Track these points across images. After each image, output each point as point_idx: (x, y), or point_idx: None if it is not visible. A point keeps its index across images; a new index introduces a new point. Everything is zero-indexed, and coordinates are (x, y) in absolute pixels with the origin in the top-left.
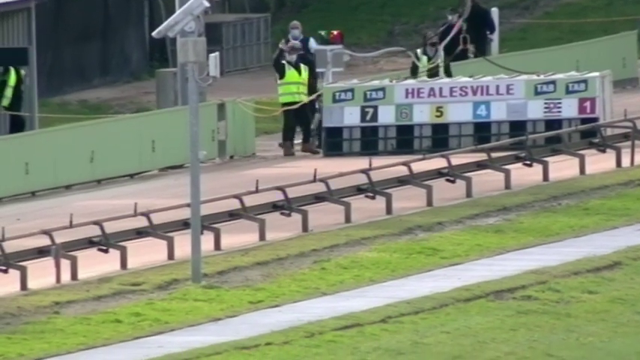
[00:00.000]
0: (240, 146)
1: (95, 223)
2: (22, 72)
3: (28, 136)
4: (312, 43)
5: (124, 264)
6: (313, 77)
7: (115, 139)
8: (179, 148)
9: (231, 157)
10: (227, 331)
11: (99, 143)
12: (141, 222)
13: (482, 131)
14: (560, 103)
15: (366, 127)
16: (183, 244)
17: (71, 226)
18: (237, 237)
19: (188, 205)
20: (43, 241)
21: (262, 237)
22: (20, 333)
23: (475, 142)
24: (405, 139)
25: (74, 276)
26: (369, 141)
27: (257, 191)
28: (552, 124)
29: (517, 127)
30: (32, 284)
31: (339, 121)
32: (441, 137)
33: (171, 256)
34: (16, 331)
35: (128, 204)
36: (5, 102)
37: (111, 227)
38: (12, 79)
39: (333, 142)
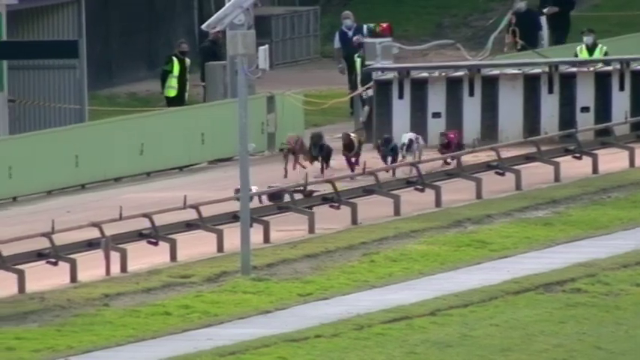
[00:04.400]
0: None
1: (145, 215)
2: (187, 61)
3: (77, 128)
4: (365, 30)
5: (173, 256)
6: (363, 67)
7: (164, 131)
8: (228, 140)
9: (280, 149)
10: (276, 324)
11: (148, 136)
12: (190, 214)
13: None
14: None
15: (416, 119)
16: (232, 236)
17: (121, 218)
18: (286, 230)
19: (237, 198)
20: (93, 234)
21: (311, 230)
22: (69, 325)
23: (526, 134)
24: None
25: (124, 268)
26: (419, 133)
27: (306, 184)
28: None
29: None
30: (82, 276)
31: (388, 114)
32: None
33: (220, 248)
34: (65, 323)
35: (177, 196)
36: (172, 92)
37: (160, 220)
38: (175, 68)
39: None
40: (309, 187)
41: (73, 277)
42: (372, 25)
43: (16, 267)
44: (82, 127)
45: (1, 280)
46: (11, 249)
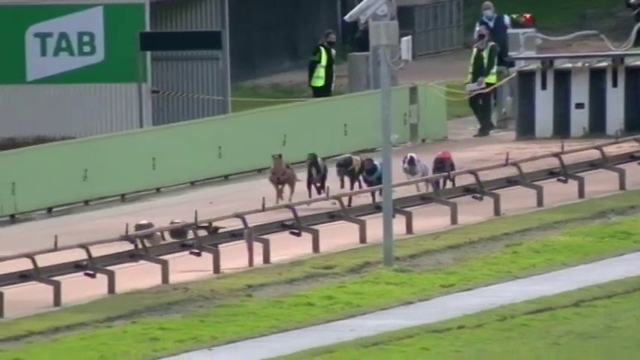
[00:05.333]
0: (431, 130)
1: (287, 206)
2: (333, 52)
3: (221, 119)
4: (506, 20)
5: (316, 247)
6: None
7: (307, 122)
8: (371, 131)
9: (423, 140)
10: (418, 315)
11: (291, 127)
12: (333, 206)
13: None
14: None
15: (559, 109)
16: (374, 227)
17: (263, 209)
18: (429, 220)
19: (380, 189)
20: (236, 224)
21: (454, 220)
22: (213, 316)
23: None
24: (598, 122)
25: (266, 259)
26: (562, 124)
27: (449, 175)
28: None
29: None
30: (225, 267)
31: (531, 104)
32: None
33: (363, 239)
34: (208, 314)
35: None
36: (319, 82)
37: (303, 211)
38: (323, 59)
39: (525, 125)
40: (214, 224)
41: (217, 268)
42: (514, 15)
43: (160, 257)
44: (225, 118)
45: (145, 271)
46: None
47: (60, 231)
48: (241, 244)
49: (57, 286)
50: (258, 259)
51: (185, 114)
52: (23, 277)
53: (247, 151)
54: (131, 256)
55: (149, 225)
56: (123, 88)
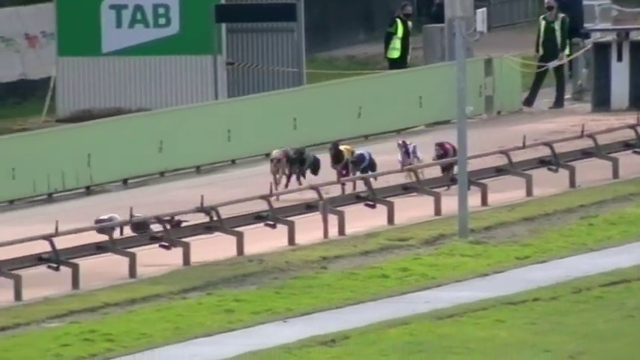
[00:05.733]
0: (507, 102)
1: (362, 178)
2: (409, 24)
3: (296, 91)
4: None
5: (390, 219)
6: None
7: (381, 94)
8: (446, 103)
9: (498, 112)
10: (493, 287)
11: (366, 99)
12: (407, 178)
13: None
14: None
15: (635, 81)
16: (449, 199)
17: (338, 181)
18: (504, 193)
19: (455, 161)
20: (310, 196)
21: (529, 192)
22: (288, 288)
23: None
24: None
25: (341, 231)
26: (638, 96)
27: (524, 147)
28: None
29: None
30: (300, 239)
31: (606, 76)
32: None
33: (437, 211)
34: (284, 285)
35: (394, 159)
36: (395, 54)
37: (378, 183)
38: (399, 30)
39: (601, 97)
40: (177, 217)
41: (292, 240)
42: None
43: (235, 229)
44: (300, 90)
45: (220, 243)
46: (230, 211)
47: (135, 202)
48: (316, 216)
49: (132, 258)
50: (333, 231)
51: (260, 86)
52: (99, 248)
53: (322, 123)
54: (206, 228)
55: (110, 219)
56: (198, 60)
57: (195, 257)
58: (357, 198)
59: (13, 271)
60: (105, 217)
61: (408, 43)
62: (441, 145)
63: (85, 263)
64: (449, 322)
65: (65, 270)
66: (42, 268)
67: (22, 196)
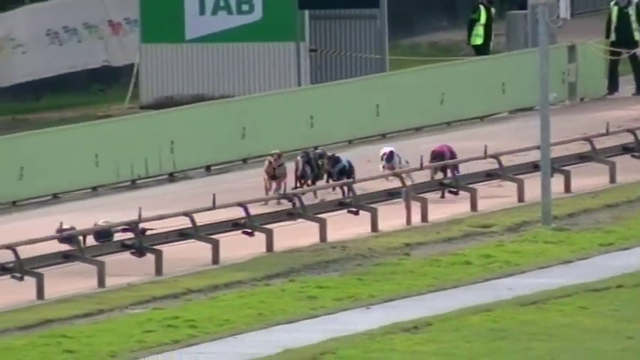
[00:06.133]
0: (590, 88)
1: (445, 165)
2: (492, 10)
3: (378, 78)
4: None
5: (474, 206)
6: None
7: (464, 81)
8: (529, 90)
9: (582, 99)
10: (577, 274)
11: (449, 85)
12: (490, 164)
13: None
14: None
15: None
16: (532, 186)
17: (421, 168)
18: (587, 179)
19: (538, 148)
20: (394, 184)
21: (612, 179)
22: (371, 274)
23: None
24: None
25: (424, 218)
26: None
27: (607, 134)
28: None
29: None
30: (383, 226)
31: None
32: None
33: (521, 198)
34: (366, 272)
35: (477, 146)
36: (478, 40)
37: (460, 169)
38: (483, 17)
39: None
40: (141, 225)
41: (374, 227)
42: None
43: (318, 216)
44: (383, 76)
45: (303, 229)
46: (309, 198)
47: (218, 189)
48: (399, 203)
49: (215, 245)
50: (416, 218)
51: (343, 72)
52: (182, 235)
53: (405, 110)
54: (289, 215)
55: (71, 228)
56: (281, 47)
57: (278, 244)
58: (439, 185)
59: (96, 258)
60: (67, 226)
61: (491, 30)
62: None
63: (168, 250)
64: (532, 308)
65: (149, 256)
66: (125, 255)
67: (105, 183)
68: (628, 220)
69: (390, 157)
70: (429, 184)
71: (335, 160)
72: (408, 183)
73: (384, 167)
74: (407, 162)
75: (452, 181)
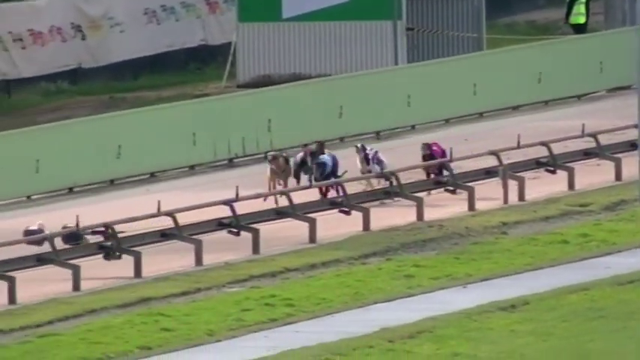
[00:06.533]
0: None
1: (542, 143)
2: None
3: (476, 57)
4: None
5: (571, 185)
6: None
7: (562, 59)
8: (627, 68)
9: None
10: None
11: (546, 64)
12: (588, 144)
13: None
14: None
15: None
16: (630, 165)
17: (518, 146)
18: None
19: (635, 126)
20: (490, 162)
21: None
22: (468, 253)
23: None
24: None
25: (521, 197)
26: None
27: (107, 225)
28: None
29: None
30: (479, 205)
31: None
32: None
33: (618, 177)
34: (463, 251)
35: (575, 125)
36: (581, 19)
37: (558, 148)
38: None
39: None
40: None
41: (471, 206)
42: None
43: (415, 195)
44: (480, 55)
45: (401, 208)
46: (409, 177)
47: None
48: (496, 182)
49: (312, 223)
50: (513, 197)
51: (440, 51)
52: (280, 214)
53: (502, 88)
54: (386, 193)
55: (40, 230)
56: (378, 26)
57: (375, 223)
58: (536, 164)
59: (193, 236)
60: (34, 227)
61: (589, 9)
62: (428, 146)
63: (265, 228)
64: (630, 287)
65: (245, 235)
66: (222, 233)
67: (203, 162)
68: None
69: (366, 158)
70: (525, 164)
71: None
72: (376, 186)
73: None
74: (381, 165)
75: (549, 160)
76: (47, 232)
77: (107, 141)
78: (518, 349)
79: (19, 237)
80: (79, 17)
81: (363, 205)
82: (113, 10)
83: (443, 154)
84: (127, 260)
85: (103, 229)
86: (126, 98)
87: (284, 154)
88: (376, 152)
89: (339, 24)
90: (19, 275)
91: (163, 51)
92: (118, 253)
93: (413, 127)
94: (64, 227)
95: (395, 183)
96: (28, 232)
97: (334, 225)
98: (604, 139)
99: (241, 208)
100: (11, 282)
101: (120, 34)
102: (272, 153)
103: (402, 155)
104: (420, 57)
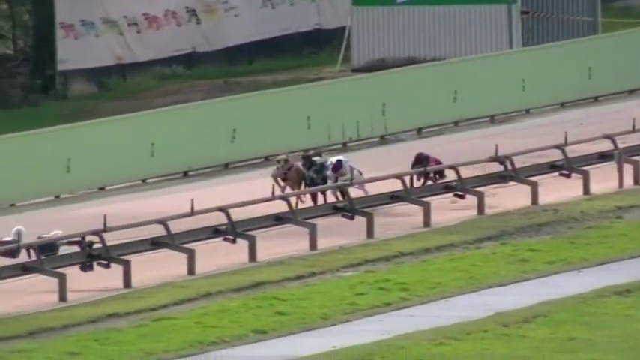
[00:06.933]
0: None
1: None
2: None
3: (591, 40)
4: None
5: None
6: None
7: None
8: None
9: None
10: None
11: None
12: None
13: None
14: None
15: None
16: None
17: (633, 130)
18: None
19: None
20: (605, 146)
21: None
22: (582, 237)
23: None
24: None
25: (636, 181)
26: None
27: (83, 235)
28: None
29: None
30: (594, 189)
31: None
32: None
33: None
34: (578, 235)
35: None
36: None
37: None
38: None
39: None
40: (88, 238)
41: (586, 190)
42: None
43: (530, 179)
44: (595, 39)
45: (515, 192)
46: (524, 160)
47: (430, 152)
48: (611, 166)
49: (427, 208)
50: (628, 181)
51: (555, 35)
52: (394, 197)
53: (617, 72)
54: (500, 177)
55: (13, 241)
56: (492, 10)
57: (490, 207)
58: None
59: (308, 220)
60: (8, 238)
61: None
62: (419, 155)
63: (379, 213)
64: None
65: (360, 219)
66: (337, 217)
67: (317, 145)
68: None
69: (337, 166)
70: (638, 148)
71: (310, 163)
72: (362, 194)
73: (332, 177)
74: (360, 172)
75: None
76: (21, 241)
77: (222, 125)
78: (633, 334)
79: (134, 221)
80: (193, 1)
81: (477, 189)
82: None
83: (436, 162)
84: (242, 245)
85: (79, 239)
86: (240, 82)
87: (282, 162)
88: (341, 161)
89: (454, 8)
90: (134, 259)
91: (277, 35)
92: (232, 237)
93: (527, 110)
94: (39, 237)
95: (509, 167)
96: (1, 243)
97: (449, 209)
98: None
99: (357, 192)
100: (127, 265)
101: (234, 18)
102: (282, 157)
103: (518, 139)
104: (535, 41)
